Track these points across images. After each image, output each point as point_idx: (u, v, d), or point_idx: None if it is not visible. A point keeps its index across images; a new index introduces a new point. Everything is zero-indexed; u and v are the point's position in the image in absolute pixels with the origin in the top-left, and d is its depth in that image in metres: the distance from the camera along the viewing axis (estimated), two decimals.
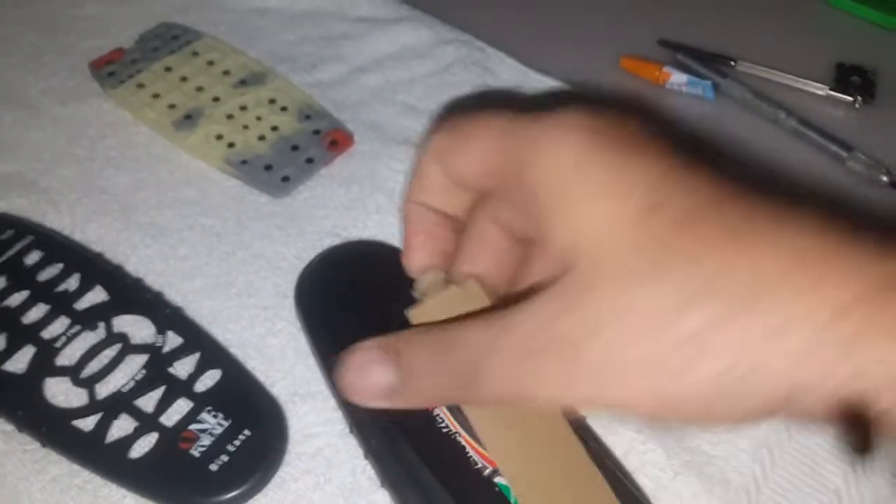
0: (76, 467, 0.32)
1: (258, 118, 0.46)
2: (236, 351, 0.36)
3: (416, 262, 0.30)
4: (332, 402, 0.35)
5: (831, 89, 0.49)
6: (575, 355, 0.22)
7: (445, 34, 0.52)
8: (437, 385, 0.25)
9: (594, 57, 0.50)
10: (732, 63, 0.51)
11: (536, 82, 0.48)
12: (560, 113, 0.24)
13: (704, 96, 0.49)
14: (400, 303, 0.29)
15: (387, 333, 0.27)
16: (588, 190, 0.23)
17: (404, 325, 0.28)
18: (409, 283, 0.30)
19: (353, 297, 0.36)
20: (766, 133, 0.47)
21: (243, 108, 0.46)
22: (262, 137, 0.45)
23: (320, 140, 0.45)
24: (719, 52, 0.51)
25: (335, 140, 0.45)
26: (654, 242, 0.21)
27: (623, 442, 0.33)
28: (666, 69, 0.49)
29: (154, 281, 0.39)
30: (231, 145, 0.45)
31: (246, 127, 0.45)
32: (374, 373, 0.26)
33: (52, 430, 0.33)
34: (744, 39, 0.52)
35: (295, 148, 0.44)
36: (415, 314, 0.28)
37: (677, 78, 0.49)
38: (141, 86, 0.47)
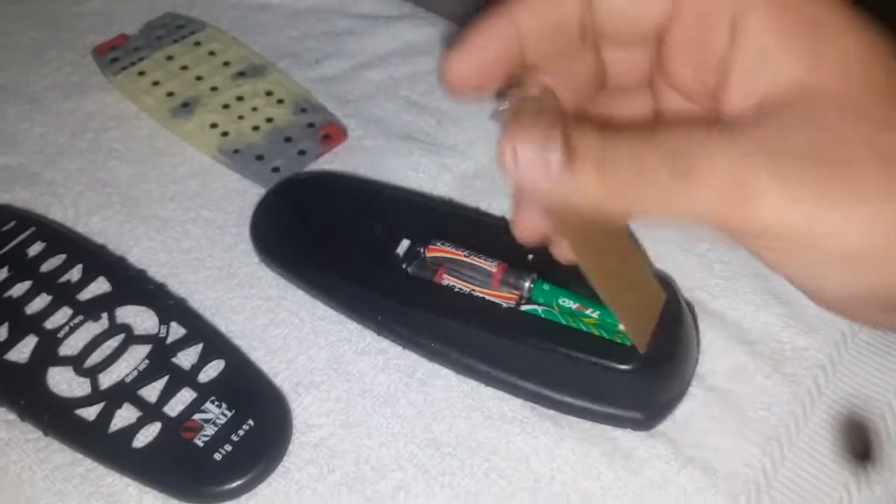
0: (79, 456, 0.32)
1: (254, 109, 0.46)
2: (239, 341, 0.36)
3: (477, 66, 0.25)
4: (335, 393, 0.35)
5: None
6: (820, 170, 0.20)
7: (451, 31, 0.52)
8: (632, 181, 0.21)
9: None
10: None
11: None
12: None
13: None
14: (353, 230, 0.36)
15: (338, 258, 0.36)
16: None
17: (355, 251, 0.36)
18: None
19: (305, 226, 0.39)
20: None
21: (240, 98, 0.47)
22: (256, 128, 0.45)
23: (314, 133, 0.45)
24: None
25: (328, 134, 0.45)
26: None
27: (630, 436, 0.33)
28: None
29: (157, 272, 0.38)
30: (225, 134, 0.45)
31: (241, 117, 0.46)
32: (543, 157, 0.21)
33: (55, 419, 0.33)
34: None
35: (288, 139, 0.44)
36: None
37: None
38: (142, 73, 0.47)
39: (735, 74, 0.22)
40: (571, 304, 0.34)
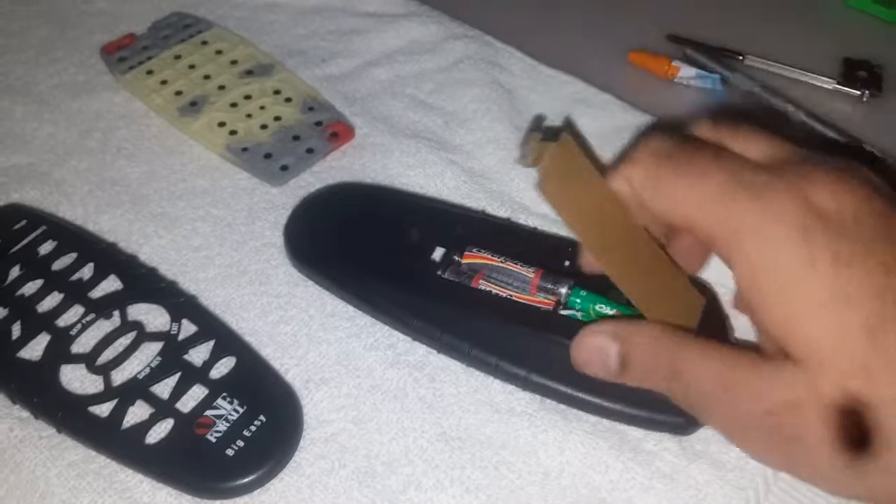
0: (92, 453, 0.33)
1: (262, 108, 0.46)
2: (250, 338, 0.36)
3: None
4: (345, 389, 0.35)
5: (838, 83, 0.49)
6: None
7: (454, 29, 0.52)
8: (651, 383, 0.29)
9: (602, 51, 0.51)
10: (740, 57, 0.51)
11: (547, 78, 0.49)
12: (781, 188, 0.25)
13: (713, 90, 0.49)
14: (388, 238, 0.38)
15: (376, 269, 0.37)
16: (814, 293, 0.24)
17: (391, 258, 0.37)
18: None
19: (338, 234, 0.39)
20: (774, 127, 0.47)
21: (248, 97, 0.47)
22: (264, 126, 0.45)
23: (322, 131, 0.45)
24: (727, 46, 0.51)
25: (336, 132, 0.45)
26: (886, 364, 0.23)
27: (637, 429, 0.33)
28: (675, 63, 0.49)
29: (168, 270, 0.39)
30: (233, 133, 0.45)
31: (249, 116, 0.46)
32: (602, 358, 0.30)
33: (68, 416, 0.33)
34: (751, 34, 0.53)
35: (296, 138, 0.45)
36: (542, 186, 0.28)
37: (686, 72, 0.49)
38: (150, 72, 0.48)
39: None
40: (608, 311, 0.34)
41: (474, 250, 0.37)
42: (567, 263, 0.36)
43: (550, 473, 0.32)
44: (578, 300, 0.35)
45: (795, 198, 0.25)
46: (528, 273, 0.35)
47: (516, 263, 0.36)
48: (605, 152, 0.44)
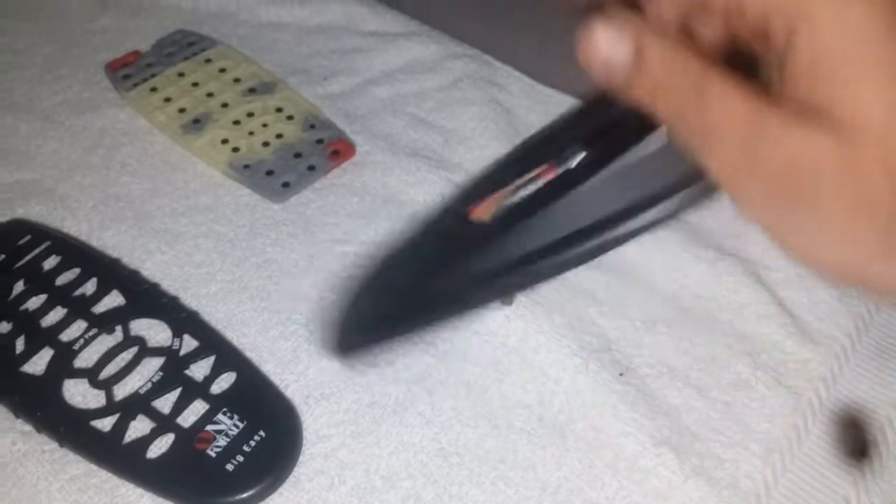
0: (94, 467, 0.33)
1: (264, 125, 0.47)
2: (251, 354, 0.37)
3: None
4: (345, 405, 0.35)
5: None
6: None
7: (454, 49, 0.53)
8: (661, 101, 0.24)
9: None
10: None
11: (545, 97, 0.49)
12: None
13: None
14: None
15: None
16: (882, 68, 0.21)
17: None
18: None
19: None
20: None
21: (250, 114, 0.47)
22: (266, 144, 0.46)
23: (323, 149, 0.46)
24: None
25: (337, 150, 0.46)
26: None
27: (633, 443, 0.34)
28: None
29: (170, 286, 0.39)
30: (235, 150, 0.46)
31: (252, 133, 0.46)
32: (614, 53, 0.24)
33: (70, 430, 0.33)
34: None
35: (297, 155, 0.45)
36: None
37: None
38: (154, 89, 0.48)
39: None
40: None
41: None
42: None
43: (548, 489, 0.33)
44: None
45: None
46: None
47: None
48: None
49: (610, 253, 0.28)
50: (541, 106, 0.49)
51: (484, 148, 0.46)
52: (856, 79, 0.22)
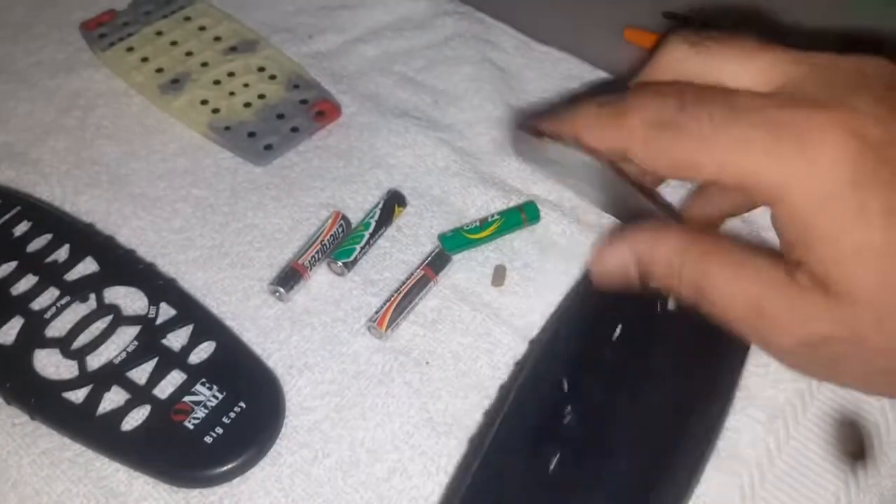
0: (67, 440, 0.32)
1: (245, 85, 0.45)
2: (231, 323, 0.35)
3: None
4: (329, 375, 0.34)
5: None
6: None
7: (444, 5, 0.50)
8: (675, 292, 0.27)
9: (597, 28, 0.49)
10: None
11: (540, 54, 0.47)
12: (823, 124, 0.23)
13: None
14: None
15: None
16: (865, 241, 0.23)
17: None
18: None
19: None
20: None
21: (231, 74, 0.46)
22: (247, 104, 0.44)
23: (307, 110, 0.44)
24: (722, 24, 0.50)
25: (322, 111, 0.44)
26: None
27: None
28: None
29: (146, 252, 0.38)
30: (216, 111, 0.44)
31: (232, 93, 0.45)
32: (623, 271, 0.28)
33: (42, 402, 0.32)
34: (748, 9, 0.51)
35: (280, 116, 0.43)
36: None
37: None
38: (130, 49, 0.46)
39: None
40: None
41: None
42: None
43: None
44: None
45: (840, 136, 0.23)
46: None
47: None
48: None
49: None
50: (535, 64, 0.47)
51: (477, 108, 0.44)
52: (835, 242, 0.23)
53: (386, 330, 0.34)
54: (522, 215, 0.38)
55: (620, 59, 0.46)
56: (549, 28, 0.49)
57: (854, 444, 0.32)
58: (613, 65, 0.46)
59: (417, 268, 0.36)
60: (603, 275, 0.28)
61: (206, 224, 0.39)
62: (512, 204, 0.39)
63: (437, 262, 0.37)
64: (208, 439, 0.31)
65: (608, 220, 0.39)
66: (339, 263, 0.37)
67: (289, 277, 0.36)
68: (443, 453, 0.32)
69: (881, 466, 0.31)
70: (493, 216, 0.38)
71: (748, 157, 0.24)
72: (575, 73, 0.46)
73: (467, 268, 0.37)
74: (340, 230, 0.38)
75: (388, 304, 0.35)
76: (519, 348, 0.35)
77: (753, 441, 0.32)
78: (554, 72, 0.46)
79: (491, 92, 0.45)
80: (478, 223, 0.38)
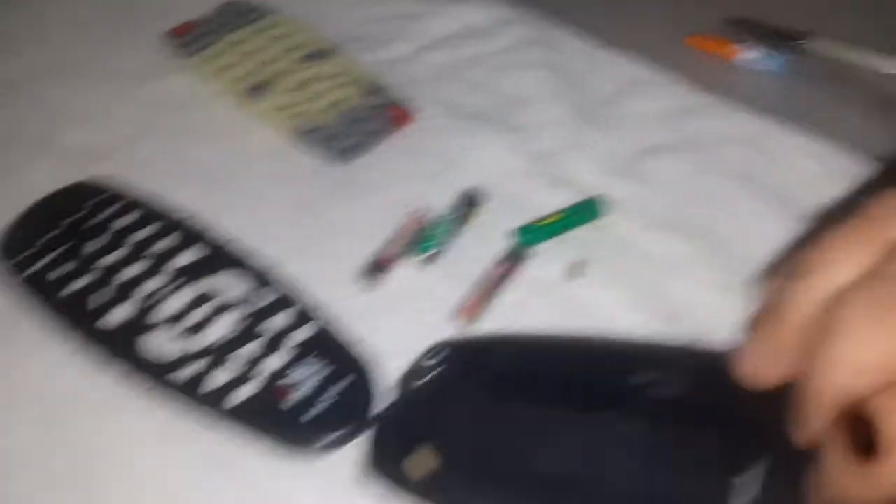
0: (181, 414, 0.34)
1: (323, 91, 0.48)
2: (325, 310, 0.37)
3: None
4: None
5: None
6: None
7: (510, 13, 0.53)
8: None
9: (659, 34, 0.51)
10: (803, 40, 0.50)
11: (603, 58, 0.49)
12: None
13: (775, 72, 0.49)
14: None
15: None
16: None
17: None
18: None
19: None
20: (841, 112, 0.47)
21: (309, 81, 0.48)
22: (326, 109, 0.47)
23: (382, 114, 0.46)
24: (789, 29, 0.50)
25: (396, 115, 0.46)
26: None
27: None
28: (737, 45, 0.49)
29: (243, 244, 0.40)
30: (297, 115, 0.46)
31: (312, 99, 0.47)
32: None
33: (153, 379, 0.35)
34: (815, 16, 0.52)
35: (358, 120, 0.46)
36: None
37: (747, 53, 0.49)
38: (214, 57, 0.49)
39: None
40: None
41: None
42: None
43: None
44: None
45: None
46: None
47: None
48: (663, 135, 0.45)
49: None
50: (599, 69, 0.49)
51: (545, 111, 0.46)
52: None
53: (468, 321, 0.37)
54: (592, 208, 0.41)
55: (684, 64, 0.48)
56: (611, 32, 0.51)
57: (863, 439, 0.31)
58: (677, 69, 0.48)
59: (496, 263, 0.39)
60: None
61: (294, 220, 0.42)
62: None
63: (513, 257, 0.39)
64: (307, 417, 0.33)
65: (676, 219, 0.41)
66: (422, 258, 0.39)
67: (375, 269, 0.39)
68: None
69: None
70: (564, 208, 0.41)
71: None
72: (638, 76, 0.48)
73: (542, 263, 0.40)
74: (419, 227, 0.40)
75: (471, 296, 0.37)
76: None
77: None
78: (617, 75, 0.49)
79: (558, 95, 0.47)
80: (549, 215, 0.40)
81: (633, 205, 0.42)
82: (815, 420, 0.22)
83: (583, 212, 0.41)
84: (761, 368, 0.24)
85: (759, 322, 0.24)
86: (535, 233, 0.40)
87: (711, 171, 0.43)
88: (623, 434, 0.28)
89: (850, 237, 0.23)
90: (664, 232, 0.41)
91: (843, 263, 0.22)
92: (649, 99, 0.47)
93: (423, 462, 0.30)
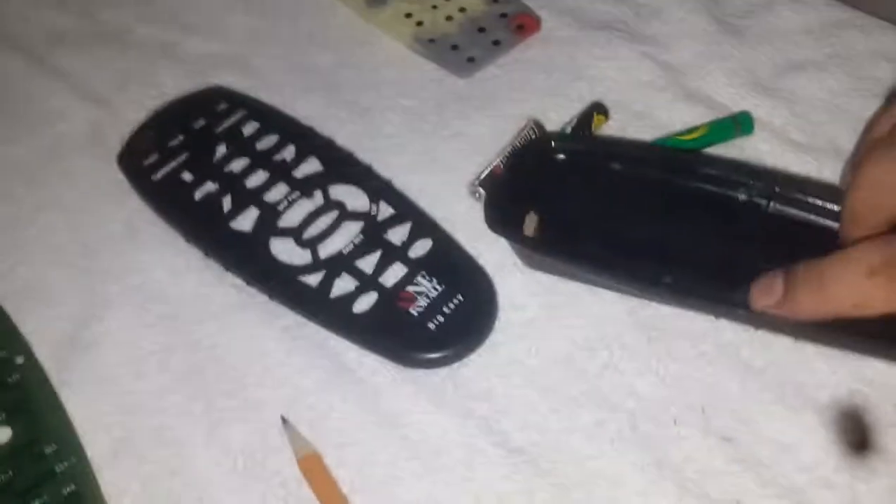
0: (302, 319, 0.34)
1: None
2: (444, 224, 0.37)
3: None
4: (538, 276, 0.35)
5: None
6: None
7: None
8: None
9: None
10: None
11: None
12: None
13: None
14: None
15: None
16: None
17: None
18: None
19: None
20: None
21: None
22: (449, 18, 0.45)
23: (507, 23, 0.44)
24: None
25: (522, 24, 0.44)
26: None
27: None
28: None
29: (363, 156, 0.40)
30: (419, 24, 0.45)
31: (435, 7, 0.46)
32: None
33: (280, 284, 0.35)
34: None
35: (482, 30, 0.44)
36: None
37: None
38: None
39: None
40: None
41: None
42: None
43: (752, 368, 0.32)
44: None
45: None
46: None
47: None
48: (814, 49, 0.41)
49: None
50: None
51: (680, 21, 0.43)
52: None
53: None
54: (735, 124, 0.38)
55: None
56: None
57: (857, 435, 0.30)
58: None
59: None
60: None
61: (415, 131, 0.41)
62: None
63: None
64: (431, 325, 0.33)
65: (820, 140, 0.38)
66: None
67: (488, 179, 0.38)
68: (653, 354, 0.33)
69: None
70: (706, 122, 0.38)
71: None
72: None
73: None
74: (533, 133, 0.39)
75: None
76: None
77: None
78: None
79: (695, 5, 0.44)
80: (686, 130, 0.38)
81: (773, 124, 0.39)
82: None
83: (727, 128, 0.38)
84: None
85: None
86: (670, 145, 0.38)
87: (859, 90, 0.40)
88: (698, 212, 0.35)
89: None
90: (807, 154, 0.38)
91: None
92: (795, 12, 0.43)
93: (531, 223, 0.35)
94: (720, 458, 0.30)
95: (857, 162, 0.31)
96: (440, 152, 0.40)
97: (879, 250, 0.27)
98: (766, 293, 0.30)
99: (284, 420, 0.32)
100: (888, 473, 0.29)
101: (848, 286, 0.28)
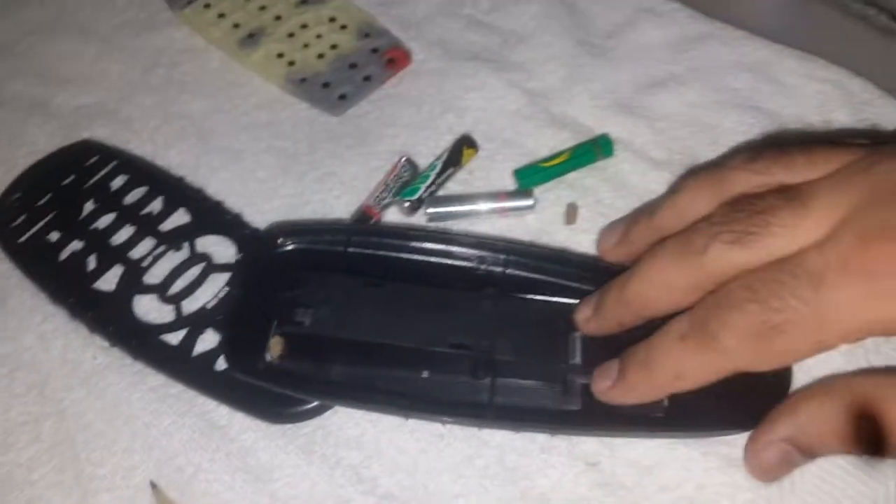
0: (172, 379, 0.34)
1: (318, 36, 0.46)
2: None
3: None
4: None
5: None
6: None
7: None
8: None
9: None
10: None
11: None
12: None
13: None
14: None
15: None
16: None
17: None
18: None
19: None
20: (855, 33, 0.44)
21: (304, 26, 0.47)
22: (321, 55, 0.45)
23: (378, 58, 0.45)
24: None
25: (392, 58, 0.44)
26: None
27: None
28: None
29: (234, 202, 0.39)
30: (291, 63, 0.45)
31: (306, 45, 0.46)
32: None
33: (142, 344, 0.35)
34: None
35: (353, 66, 0.44)
36: None
37: None
38: (208, 6, 0.48)
39: None
40: None
41: None
42: None
43: None
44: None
45: None
46: None
47: None
48: (675, 64, 0.42)
49: None
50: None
51: (546, 46, 0.44)
52: None
53: None
54: (596, 148, 0.38)
55: None
56: None
57: (872, 438, 0.30)
58: None
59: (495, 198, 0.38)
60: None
61: (287, 174, 0.41)
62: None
63: (515, 197, 0.38)
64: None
65: (680, 156, 0.39)
66: (406, 203, 0.38)
67: (361, 219, 0.38)
68: None
69: None
70: (566, 148, 0.39)
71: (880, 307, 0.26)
72: (645, 4, 0.45)
73: (539, 207, 0.38)
74: (406, 171, 0.39)
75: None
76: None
77: None
78: (623, 3, 0.45)
79: (560, 29, 0.45)
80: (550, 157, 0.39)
81: (634, 144, 0.40)
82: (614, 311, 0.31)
83: (588, 153, 0.39)
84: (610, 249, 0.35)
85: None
86: (534, 175, 0.38)
87: (718, 101, 0.41)
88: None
89: (699, 187, 0.31)
90: (666, 171, 0.38)
91: (686, 210, 0.31)
92: (657, 27, 0.44)
93: (277, 346, 0.32)
94: (585, 485, 0.31)
95: (646, 256, 0.31)
96: (312, 194, 0.40)
97: (688, 317, 0.29)
98: (604, 376, 0.30)
99: (154, 485, 0.32)
100: (751, 488, 0.30)
101: (666, 354, 0.29)
